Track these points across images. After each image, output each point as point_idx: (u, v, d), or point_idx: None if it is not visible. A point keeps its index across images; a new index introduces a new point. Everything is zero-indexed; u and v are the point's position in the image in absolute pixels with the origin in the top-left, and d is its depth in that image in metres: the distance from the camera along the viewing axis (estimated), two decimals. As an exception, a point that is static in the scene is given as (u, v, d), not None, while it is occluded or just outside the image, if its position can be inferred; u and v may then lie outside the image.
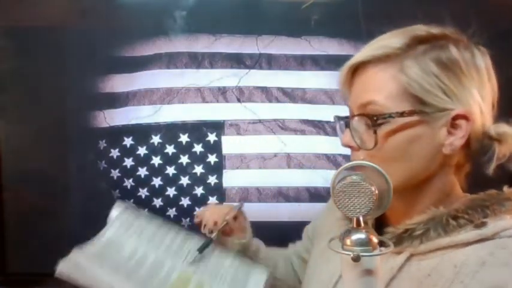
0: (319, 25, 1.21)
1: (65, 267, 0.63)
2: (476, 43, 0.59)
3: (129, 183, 1.25)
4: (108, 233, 0.74)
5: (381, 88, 0.57)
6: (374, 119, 0.56)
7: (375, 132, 0.56)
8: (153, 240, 0.76)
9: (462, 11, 1.16)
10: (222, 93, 1.24)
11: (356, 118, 0.59)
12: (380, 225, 0.63)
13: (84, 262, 0.65)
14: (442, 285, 0.54)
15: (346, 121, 0.61)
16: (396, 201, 0.52)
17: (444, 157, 0.58)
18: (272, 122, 1.25)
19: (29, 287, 1.23)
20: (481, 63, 0.58)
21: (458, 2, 1.18)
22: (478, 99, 0.56)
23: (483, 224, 0.55)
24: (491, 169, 0.56)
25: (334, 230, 0.72)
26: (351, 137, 0.60)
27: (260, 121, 1.25)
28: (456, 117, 0.56)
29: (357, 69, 0.61)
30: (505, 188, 0.59)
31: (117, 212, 0.77)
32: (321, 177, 1.24)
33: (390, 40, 0.58)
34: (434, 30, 0.59)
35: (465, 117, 0.55)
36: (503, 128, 0.57)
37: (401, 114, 0.55)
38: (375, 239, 0.49)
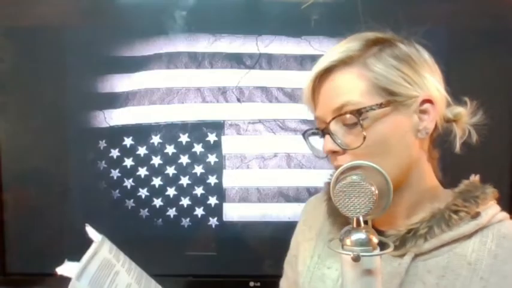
0: (319, 25, 1.21)
1: None
2: (415, 41, 0.65)
3: (129, 183, 1.25)
4: (102, 252, 0.69)
5: (352, 88, 0.61)
6: (359, 114, 0.59)
7: (362, 127, 0.59)
8: (141, 283, 0.73)
9: (461, 11, 1.17)
10: (222, 93, 1.24)
11: (333, 122, 0.61)
12: None
13: None
14: (462, 283, 0.57)
15: (323, 129, 0.63)
16: None
17: (420, 143, 0.63)
18: (272, 122, 1.25)
19: (29, 287, 1.23)
20: (425, 55, 0.64)
21: (457, 2, 1.18)
22: (435, 83, 0.62)
23: (478, 214, 0.60)
24: (458, 148, 0.63)
25: (317, 250, 0.73)
26: (333, 143, 0.61)
27: (260, 121, 1.25)
28: (422, 103, 0.61)
29: (320, 78, 0.64)
30: (472, 177, 0.65)
31: (102, 239, 0.72)
32: (321, 177, 1.24)
33: (348, 45, 0.63)
34: (379, 34, 0.65)
35: (429, 101, 0.61)
36: (457, 109, 0.65)
37: (381, 106, 0.59)
38: (375, 239, 0.49)
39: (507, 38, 1.18)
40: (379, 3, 1.17)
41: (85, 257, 0.64)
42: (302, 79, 1.21)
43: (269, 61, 1.23)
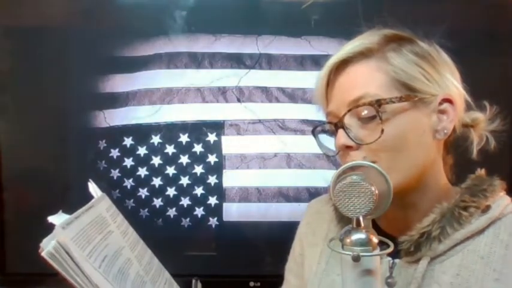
0: (319, 25, 1.21)
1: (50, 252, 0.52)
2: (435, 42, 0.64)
3: (129, 183, 1.25)
4: (98, 208, 0.64)
5: (370, 80, 0.59)
6: (378, 106, 0.56)
7: (381, 119, 0.56)
8: (135, 250, 0.69)
9: (461, 12, 1.17)
10: (222, 93, 1.24)
11: (348, 115, 0.59)
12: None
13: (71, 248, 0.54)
14: (476, 278, 0.56)
15: (336, 123, 0.60)
16: (394, 210, 0.52)
17: (437, 145, 0.61)
18: (272, 122, 1.25)
19: (29, 287, 1.23)
20: (445, 55, 0.63)
21: (456, 2, 1.18)
22: (455, 83, 0.61)
23: (488, 208, 0.58)
24: (474, 154, 0.62)
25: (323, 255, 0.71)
26: (346, 137, 0.58)
27: (260, 121, 1.25)
28: (442, 102, 0.59)
29: (336, 71, 0.62)
30: (479, 171, 0.63)
31: (102, 196, 0.69)
32: (321, 177, 1.24)
33: (367, 38, 0.61)
34: (398, 32, 0.63)
35: (449, 100, 0.60)
36: (475, 114, 0.63)
37: (400, 99, 0.57)
38: (375, 239, 0.49)
39: (507, 38, 1.18)
40: (379, 3, 1.17)
41: (80, 210, 0.61)
42: (302, 79, 1.22)
43: (269, 61, 1.23)
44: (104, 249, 0.60)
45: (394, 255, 0.58)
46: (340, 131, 0.59)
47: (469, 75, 0.64)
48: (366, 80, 0.59)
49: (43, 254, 0.52)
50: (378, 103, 0.56)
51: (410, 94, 0.58)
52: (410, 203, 0.61)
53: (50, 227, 0.56)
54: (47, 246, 0.52)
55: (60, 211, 0.61)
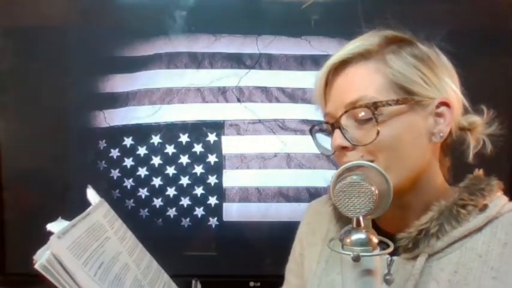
0: (319, 25, 1.21)
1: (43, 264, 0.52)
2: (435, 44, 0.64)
3: (129, 183, 1.25)
4: (95, 215, 0.64)
5: (368, 83, 0.59)
6: (374, 108, 0.57)
7: (377, 121, 0.57)
8: (133, 254, 0.68)
9: (461, 12, 1.17)
10: (222, 93, 1.24)
11: (344, 116, 0.59)
12: None
13: (66, 259, 0.53)
14: (473, 276, 0.56)
15: (333, 123, 0.61)
16: (391, 209, 0.52)
17: (433, 148, 0.61)
18: (272, 122, 1.25)
19: (29, 287, 1.23)
20: (444, 59, 0.63)
21: (457, 3, 1.18)
22: (453, 86, 0.61)
23: (486, 207, 0.59)
24: (470, 157, 0.62)
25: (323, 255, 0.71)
26: (343, 138, 0.59)
27: (260, 121, 1.25)
28: (439, 105, 0.60)
29: (334, 72, 0.62)
30: (477, 171, 0.64)
31: (100, 202, 0.68)
32: (321, 177, 1.24)
33: (367, 39, 0.62)
34: (398, 33, 0.63)
35: (446, 104, 0.60)
36: (472, 118, 0.63)
37: (397, 102, 0.58)
38: (375, 239, 0.49)
39: (507, 38, 1.18)
40: (379, 3, 1.17)
41: (77, 218, 0.60)
42: (302, 79, 1.22)
43: (269, 61, 1.23)
44: (100, 256, 0.60)
45: (392, 252, 0.59)
46: (337, 132, 0.60)
47: (468, 77, 0.64)
48: (364, 82, 0.59)
49: (36, 266, 0.51)
50: (375, 105, 0.57)
51: (407, 97, 0.58)
52: (407, 203, 0.62)
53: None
54: (41, 258, 0.52)
55: (59, 218, 0.61)
